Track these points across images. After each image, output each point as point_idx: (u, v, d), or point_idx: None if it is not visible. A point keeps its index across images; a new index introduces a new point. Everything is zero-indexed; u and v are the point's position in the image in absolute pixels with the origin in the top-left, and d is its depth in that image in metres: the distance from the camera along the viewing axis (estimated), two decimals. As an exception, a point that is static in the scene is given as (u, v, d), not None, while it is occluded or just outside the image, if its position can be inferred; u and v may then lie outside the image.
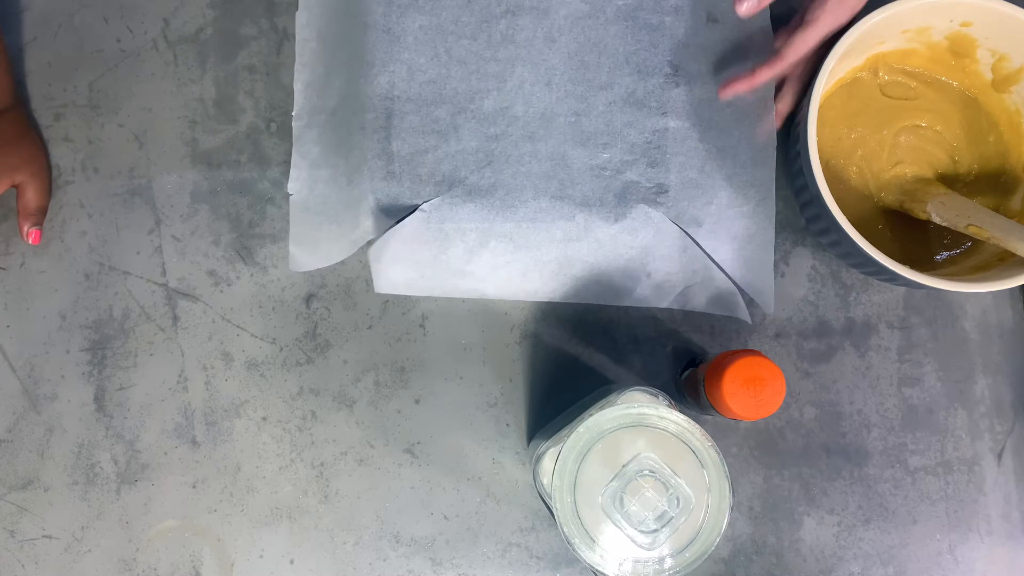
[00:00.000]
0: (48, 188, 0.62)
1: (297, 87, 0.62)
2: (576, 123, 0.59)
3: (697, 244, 0.58)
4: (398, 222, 0.57)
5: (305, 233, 0.61)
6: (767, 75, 0.57)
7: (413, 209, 0.58)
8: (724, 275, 0.59)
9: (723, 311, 0.61)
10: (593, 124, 0.59)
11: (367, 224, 0.59)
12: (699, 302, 0.61)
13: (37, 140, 0.63)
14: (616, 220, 0.57)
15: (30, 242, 0.61)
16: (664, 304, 0.61)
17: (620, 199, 0.58)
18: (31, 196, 0.61)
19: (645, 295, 0.61)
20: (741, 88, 0.57)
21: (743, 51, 0.61)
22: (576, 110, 0.59)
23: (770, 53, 0.59)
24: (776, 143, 0.61)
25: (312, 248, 0.61)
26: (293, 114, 0.62)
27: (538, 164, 0.58)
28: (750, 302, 0.61)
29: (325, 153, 0.61)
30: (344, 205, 0.60)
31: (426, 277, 0.60)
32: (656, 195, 0.58)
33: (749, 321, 0.61)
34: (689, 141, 0.59)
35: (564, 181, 0.58)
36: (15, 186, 0.61)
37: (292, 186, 0.61)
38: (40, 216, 0.62)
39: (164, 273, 0.62)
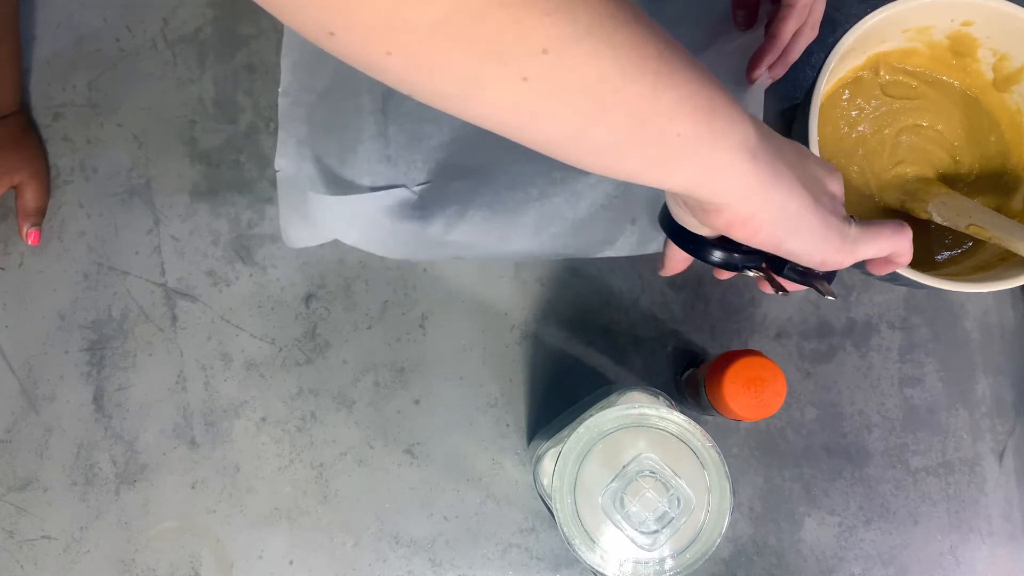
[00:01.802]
0: (47, 189, 0.62)
1: (284, 63, 0.61)
2: None
3: None
4: (377, 190, 0.57)
5: (295, 211, 0.60)
6: (786, 28, 0.54)
7: (401, 184, 0.57)
8: None
9: None
10: None
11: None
12: None
13: (36, 141, 0.63)
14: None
15: (29, 242, 0.61)
16: (650, 250, 0.59)
17: None
18: (30, 196, 0.61)
19: (629, 244, 0.59)
20: (770, 57, 0.55)
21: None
22: None
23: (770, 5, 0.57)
24: (766, 82, 0.57)
25: (302, 225, 0.60)
26: (280, 90, 0.60)
27: None
28: None
29: (314, 132, 0.60)
30: (335, 185, 0.59)
31: (404, 245, 0.59)
32: None
33: None
34: None
35: None
36: (14, 187, 0.61)
37: (279, 163, 0.59)
38: (39, 216, 0.62)
39: (163, 273, 0.62)
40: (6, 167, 0.60)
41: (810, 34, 0.55)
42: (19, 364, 0.61)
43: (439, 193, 0.57)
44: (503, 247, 0.59)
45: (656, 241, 0.59)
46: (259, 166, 0.63)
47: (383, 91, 0.59)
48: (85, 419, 0.61)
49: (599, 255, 0.60)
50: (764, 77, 0.56)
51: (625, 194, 0.57)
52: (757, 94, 0.57)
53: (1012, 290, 0.63)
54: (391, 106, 0.59)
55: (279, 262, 0.62)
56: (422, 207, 0.58)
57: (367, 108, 0.58)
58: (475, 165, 0.58)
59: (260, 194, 0.63)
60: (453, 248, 0.59)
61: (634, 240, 0.59)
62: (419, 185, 0.58)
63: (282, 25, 0.65)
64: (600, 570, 0.45)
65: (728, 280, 0.62)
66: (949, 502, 0.61)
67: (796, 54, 0.55)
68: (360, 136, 0.58)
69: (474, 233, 0.58)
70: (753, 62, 0.55)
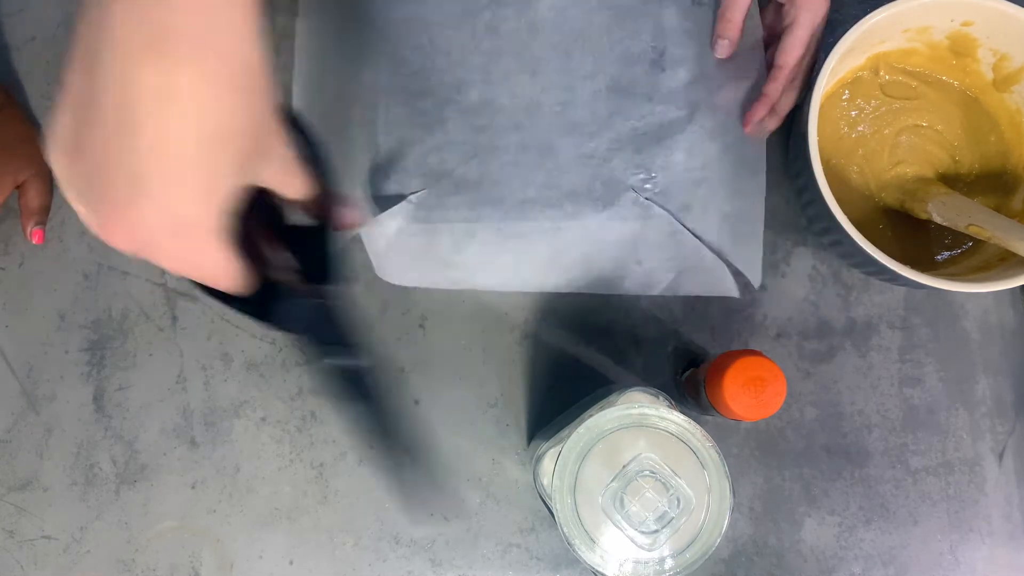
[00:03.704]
0: (51, 187, 0.62)
1: (296, 89, 0.62)
2: (561, 113, 0.59)
3: (686, 228, 0.58)
4: (386, 210, 0.57)
5: None
6: (776, 88, 0.58)
7: (401, 199, 0.58)
8: (714, 256, 0.59)
9: (713, 292, 0.61)
10: (579, 114, 0.59)
11: None
12: (689, 287, 0.60)
13: (38, 140, 0.63)
14: (604, 208, 0.58)
15: (34, 241, 0.61)
16: (656, 292, 0.61)
17: (607, 187, 0.58)
18: (33, 195, 0.61)
19: (637, 283, 0.60)
20: (762, 112, 0.58)
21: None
22: (561, 100, 0.59)
23: (756, 43, 0.60)
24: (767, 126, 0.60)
25: None
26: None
27: (524, 155, 0.59)
28: (743, 284, 0.61)
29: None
30: None
31: (418, 268, 0.60)
32: (644, 182, 0.58)
33: (738, 296, 0.60)
34: (676, 125, 0.59)
35: (551, 171, 0.58)
36: (18, 187, 0.61)
37: None
38: (43, 215, 0.62)
39: (163, 273, 0.62)
40: (9, 167, 0.60)
41: (793, 95, 0.59)
42: (19, 364, 0.61)
43: (438, 203, 0.58)
44: (515, 275, 0.59)
45: (658, 287, 0.60)
46: (259, 166, 0.63)
47: (372, 101, 0.59)
48: (85, 419, 0.61)
49: (608, 292, 0.61)
50: (762, 128, 0.59)
51: (633, 238, 0.58)
52: (759, 143, 0.60)
53: (1012, 290, 0.63)
54: (380, 114, 0.59)
55: (279, 262, 0.62)
56: (425, 221, 0.58)
57: (357, 120, 0.59)
58: (471, 177, 0.58)
59: (260, 194, 0.63)
60: (463, 271, 0.59)
61: (640, 281, 0.60)
62: (413, 193, 0.58)
63: (281, 25, 0.65)
64: (600, 570, 0.45)
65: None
66: (949, 502, 0.61)
67: (786, 109, 0.59)
68: (353, 148, 0.59)
69: (485, 256, 0.58)
70: (748, 116, 0.58)
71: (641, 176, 0.58)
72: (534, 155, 0.59)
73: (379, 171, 0.58)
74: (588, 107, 0.59)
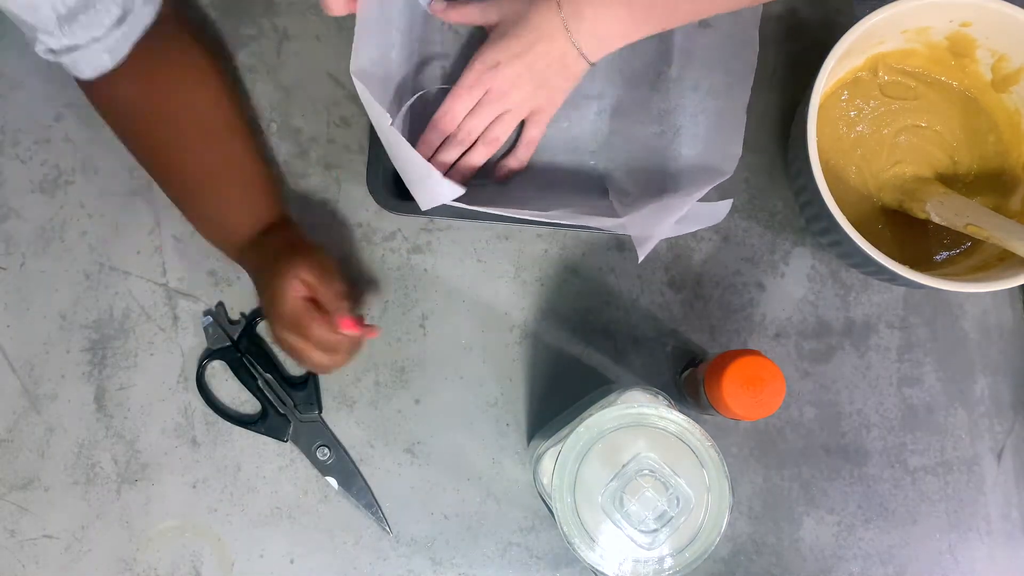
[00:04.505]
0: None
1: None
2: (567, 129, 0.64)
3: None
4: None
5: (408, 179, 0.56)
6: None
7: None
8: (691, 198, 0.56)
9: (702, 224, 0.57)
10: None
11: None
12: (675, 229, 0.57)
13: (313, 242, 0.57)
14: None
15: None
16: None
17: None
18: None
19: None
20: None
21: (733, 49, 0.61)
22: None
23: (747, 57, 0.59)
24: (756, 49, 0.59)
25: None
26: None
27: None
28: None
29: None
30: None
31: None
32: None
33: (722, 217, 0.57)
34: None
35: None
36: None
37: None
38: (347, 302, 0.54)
39: (164, 273, 0.62)
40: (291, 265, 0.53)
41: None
42: (21, 363, 0.61)
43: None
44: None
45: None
46: (260, 166, 0.63)
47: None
48: (86, 418, 0.61)
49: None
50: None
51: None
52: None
53: (1010, 290, 0.63)
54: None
55: (280, 262, 0.63)
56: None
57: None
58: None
59: (261, 194, 0.63)
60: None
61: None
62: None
63: (282, 26, 0.65)
64: (600, 569, 0.45)
65: (727, 280, 0.62)
66: (948, 501, 0.61)
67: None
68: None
69: None
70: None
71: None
72: None
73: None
74: (592, 126, 0.62)
